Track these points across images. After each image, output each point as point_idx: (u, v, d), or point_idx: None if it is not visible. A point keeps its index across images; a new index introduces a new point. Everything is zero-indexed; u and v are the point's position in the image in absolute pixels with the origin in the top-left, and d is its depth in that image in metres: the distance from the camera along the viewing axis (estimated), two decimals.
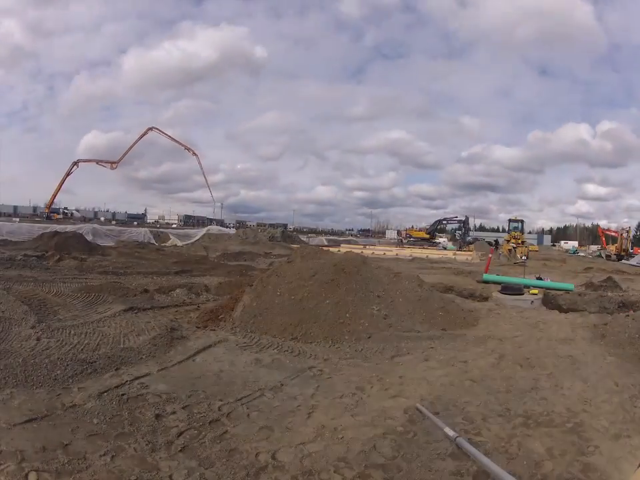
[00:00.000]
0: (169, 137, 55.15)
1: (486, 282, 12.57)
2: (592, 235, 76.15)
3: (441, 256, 29.46)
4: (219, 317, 6.92)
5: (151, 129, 53.22)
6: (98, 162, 51.70)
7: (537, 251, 40.34)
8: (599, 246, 50.21)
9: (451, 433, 3.21)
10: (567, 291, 11.33)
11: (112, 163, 51.68)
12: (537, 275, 13.99)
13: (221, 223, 71.91)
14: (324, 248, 19.15)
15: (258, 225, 68.09)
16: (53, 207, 52.94)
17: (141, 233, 32.39)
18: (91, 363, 4.51)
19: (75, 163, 49.65)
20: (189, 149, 55.77)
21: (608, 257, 38.44)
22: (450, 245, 48.29)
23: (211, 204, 79.98)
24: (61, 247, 18.00)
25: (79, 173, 50.72)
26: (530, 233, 74.78)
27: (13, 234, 25.59)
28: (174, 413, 3.56)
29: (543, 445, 3.17)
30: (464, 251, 38.79)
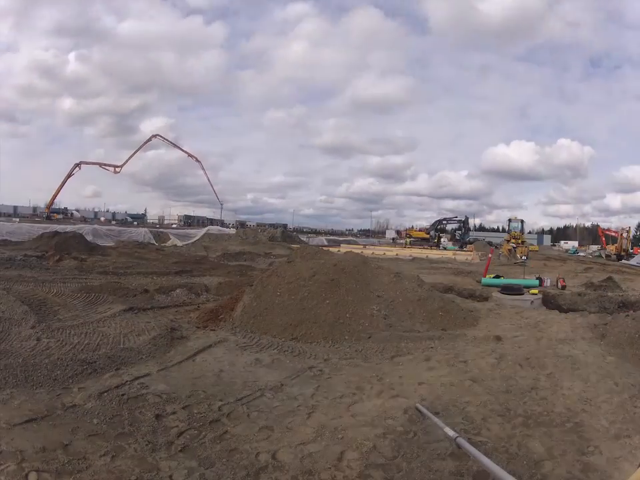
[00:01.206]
0: (172, 143, 55.72)
1: (487, 285, 12.58)
2: (592, 234, 76.10)
3: (440, 256, 29.46)
4: (219, 317, 6.92)
5: (155, 136, 53.71)
6: (101, 165, 51.90)
7: (536, 250, 40.33)
8: (599, 246, 50.20)
9: (450, 432, 3.20)
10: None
11: (115, 166, 51.82)
12: (537, 275, 13.99)
13: (221, 223, 71.98)
14: (324, 248, 19.12)
15: (258, 225, 68.19)
16: (52, 207, 52.91)
17: (140, 233, 32.40)
18: (91, 363, 4.51)
19: (77, 165, 49.63)
20: (191, 156, 56.79)
21: (608, 256, 38.44)
22: (450, 244, 48.27)
23: (215, 205, 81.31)
24: (61, 247, 17.99)
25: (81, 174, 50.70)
26: (530, 232, 74.79)
27: (12, 234, 25.60)
28: (174, 413, 3.56)
29: (542, 445, 3.17)
30: (464, 250, 38.79)
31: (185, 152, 56.75)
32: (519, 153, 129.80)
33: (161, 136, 54.33)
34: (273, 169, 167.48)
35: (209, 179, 59.59)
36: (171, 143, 55.46)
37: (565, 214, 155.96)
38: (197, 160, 57.15)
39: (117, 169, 51.87)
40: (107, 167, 51.63)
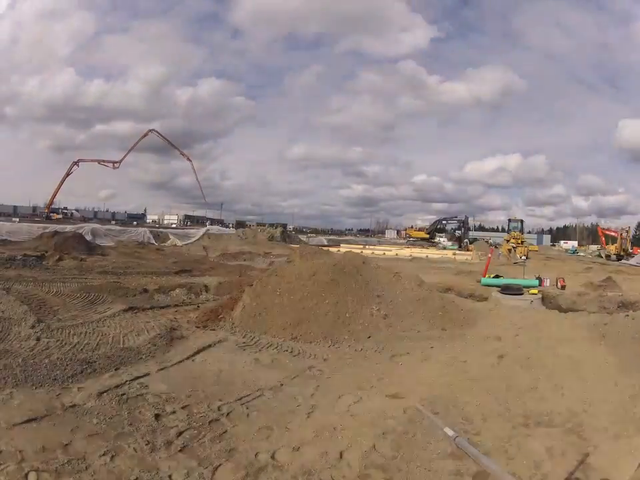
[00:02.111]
0: (167, 140, 55.93)
1: (487, 285, 12.59)
2: (591, 234, 76.10)
3: (440, 256, 29.45)
4: (219, 317, 6.92)
5: (151, 130, 53.93)
6: (100, 162, 51.79)
7: (536, 250, 40.27)
8: (599, 246, 50.14)
9: (450, 432, 3.21)
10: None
11: (114, 162, 51.82)
12: (537, 275, 13.98)
13: (220, 222, 72.03)
14: (323, 248, 19.06)
15: (257, 225, 68.23)
16: (52, 206, 52.86)
17: (140, 233, 32.36)
18: (91, 362, 4.51)
19: (75, 163, 49.57)
20: (183, 154, 57.16)
21: (607, 256, 38.41)
22: (450, 244, 48.21)
23: (216, 207, 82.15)
24: (60, 247, 17.97)
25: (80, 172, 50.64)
26: (530, 232, 74.80)
27: (12, 234, 25.53)
28: (173, 412, 3.56)
29: (542, 445, 3.17)
30: (464, 250, 38.76)
31: (178, 150, 57.37)
32: (499, 164, 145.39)
33: (156, 131, 54.59)
34: (279, 176, 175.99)
35: (197, 178, 60.28)
36: (165, 139, 55.73)
37: (548, 215, 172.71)
38: (189, 159, 57.90)
39: (116, 164, 51.96)
40: (105, 163, 51.64)
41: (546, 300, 10.78)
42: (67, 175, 49.56)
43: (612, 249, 39.35)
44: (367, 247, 34.50)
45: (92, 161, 51.79)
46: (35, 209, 65.03)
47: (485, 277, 13.70)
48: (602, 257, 39.59)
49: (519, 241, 26.31)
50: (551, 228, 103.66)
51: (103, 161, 51.72)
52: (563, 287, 12.61)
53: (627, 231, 40.32)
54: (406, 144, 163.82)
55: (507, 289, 10.55)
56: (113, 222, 55.62)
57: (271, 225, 63.45)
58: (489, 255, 17.14)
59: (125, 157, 52.80)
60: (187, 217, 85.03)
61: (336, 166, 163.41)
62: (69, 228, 26.96)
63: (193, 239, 32.98)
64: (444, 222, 58.69)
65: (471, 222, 59.18)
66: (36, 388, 3.86)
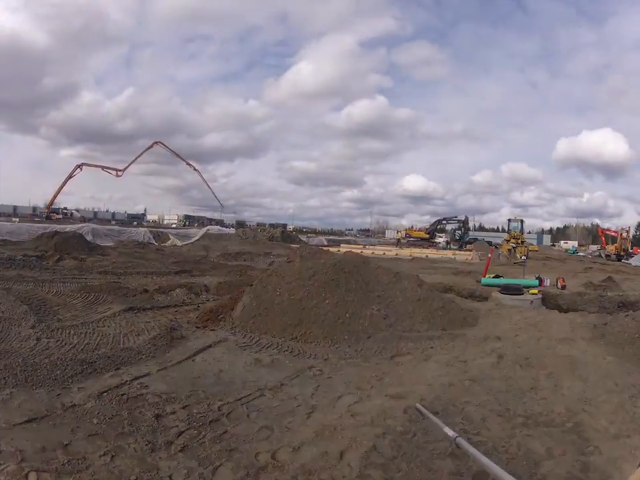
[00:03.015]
0: (172, 151, 56.44)
1: (487, 285, 12.58)
2: (591, 234, 76.19)
3: (440, 256, 29.45)
4: (219, 317, 6.93)
5: (156, 142, 54.37)
6: (103, 168, 52.17)
7: (536, 250, 40.27)
8: (599, 246, 50.14)
9: (450, 432, 3.20)
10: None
11: (117, 170, 52.17)
12: (537, 275, 13.98)
13: (220, 223, 72.35)
14: (323, 248, 19.06)
15: (257, 225, 68.49)
16: (52, 207, 52.96)
17: (140, 233, 32.35)
18: (91, 363, 4.51)
19: (79, 166, 49.76)
20: (190, 165, 57.75)
21: (607, 256, 38.43)
22: (448, 246, 48.11)
23: (218, 209, 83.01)
24: (60, 247, 17.99)
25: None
26: (529, 232, 74.76)
27: (12, 234, 25.49)
28: (174, 412, 3.56)
29: (542, 445, 3.17)
30: (464, 250, 38.75)
31: (184, 161, 57.98)
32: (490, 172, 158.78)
33: (162, 143, 55.09)
34: (280, 179, 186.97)
35: (208, 185, 61.71)
36: (171, 151, 56.37)
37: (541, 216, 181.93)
38: (195, 169, 58.85)
39: (119, 173, 52.47)
40: (109, 170, 52.03)
41: (546, 300, 10.78)
42: (70, 177, 49.72)
43: (612, 248, 39.38)
44: (366, 247, 34.52)
45: (96, 166, 52.09)
46: (34, 209, 65.16)
47: (485, 277, 13.70)
48: (602, 257, 39.60)
49: (519, 241, 26.29)
50: (551, 228, 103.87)
51: (107, 168, 51.96)
52: (563, 287, 12.60)
53: (627, 231, 40.35)
54: (404, 157, 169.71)
55: (506, 289, 10.55)
56: (113, 222, 55.68)
57: (271, 225, 63.81)
58: (489, 255, 17.13)
59: (128, 166, 53.37)
60: (187, 217, 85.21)
61: (337, 172, 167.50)
62: (69, 228, 26.95)
63: (193, 239, 32.96)
64: (444, 222, 58.62)
65: (470, 222, 59.03)
66: (36, 388, 3.87)
